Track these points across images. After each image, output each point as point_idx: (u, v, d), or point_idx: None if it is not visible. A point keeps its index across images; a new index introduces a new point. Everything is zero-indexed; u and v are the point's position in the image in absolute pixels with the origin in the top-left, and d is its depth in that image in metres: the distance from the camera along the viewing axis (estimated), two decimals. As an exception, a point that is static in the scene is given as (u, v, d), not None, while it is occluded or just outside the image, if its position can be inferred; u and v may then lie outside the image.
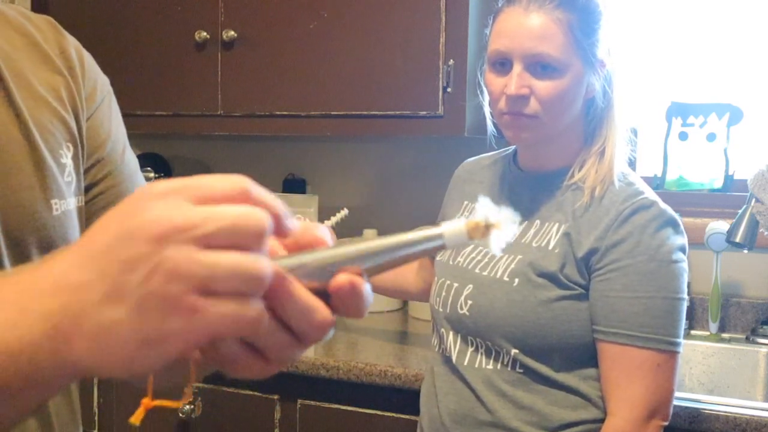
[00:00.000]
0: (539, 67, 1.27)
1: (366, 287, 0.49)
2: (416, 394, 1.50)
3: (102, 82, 0.86)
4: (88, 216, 0.82)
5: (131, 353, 0.44)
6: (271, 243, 0.49)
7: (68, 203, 0.77)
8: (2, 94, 0.74)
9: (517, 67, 1.28)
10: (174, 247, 0.43)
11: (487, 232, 0.50)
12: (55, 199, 0.75)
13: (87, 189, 0.82)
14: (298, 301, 0.47)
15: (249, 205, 0.46)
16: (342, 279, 0.48)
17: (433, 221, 1.66)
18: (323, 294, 0.49)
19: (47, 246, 0.74)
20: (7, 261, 0.72)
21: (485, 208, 0.51)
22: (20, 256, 0.73)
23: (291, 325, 0.48)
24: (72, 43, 0.84)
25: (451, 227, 0.50)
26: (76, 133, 0.80)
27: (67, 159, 0.78)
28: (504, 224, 0.50)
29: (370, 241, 0.51)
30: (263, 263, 0.44)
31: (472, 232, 0.50)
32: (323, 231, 0.51)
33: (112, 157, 0.85)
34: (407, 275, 1.74)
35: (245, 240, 0.44)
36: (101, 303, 0.44)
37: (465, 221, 0.50)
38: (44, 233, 0.74)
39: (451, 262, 1.42)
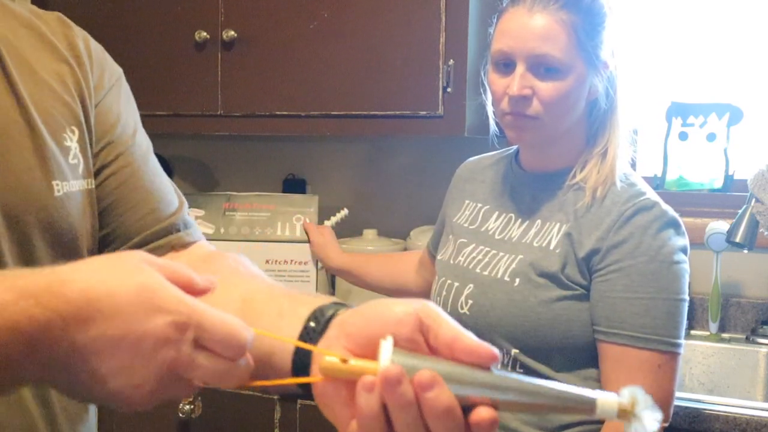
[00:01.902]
0: (542, 68, 1.27)
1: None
2: (416, 394, 1.50)
3: (111, 71, 0.88)
4: (103, 197, 0.83)
5: (141, 399, 0.57)
6: (420, 338, 0.57)
7: (72, 185, 0.78)
8: (3, 80, 0.76)
9: (520, 68, 1.28)
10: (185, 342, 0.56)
11: (633, 419, 0.53)
12: (57, 181, 0.77)
13: (99, 171, 0.84)
14: (450, 412, 0.54)
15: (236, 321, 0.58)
16: (485, 414, 0.54)
17: (433, 221, 1.66)
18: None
19: (48, 227, 0.76)
20: (5, 240, 0.73)
21: (637, 395, 0.53)
22: (20, 235, 0.74)
23: (430, 426, 0.54)
24: (80, 35, 0.86)
25: (605, 398, 0.54)
26: (81, 117, 0.82)
27: (72, 142, 0.80)
28: (650, 417, 0.53)
29: (529, 382, 0.55)
30: (238, 374, 0.58)
31: (622, 413, 0.53)
32: (480, 349, 0.56)
33: (123, 139, 0.86)
34: (408, 274, 1.74)
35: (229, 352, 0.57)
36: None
37: (619, 401, 0.54)
38: (45, 213, 0.75)
39: (452, 262, 1.42)
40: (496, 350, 0.56)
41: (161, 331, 0.55)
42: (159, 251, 0.84)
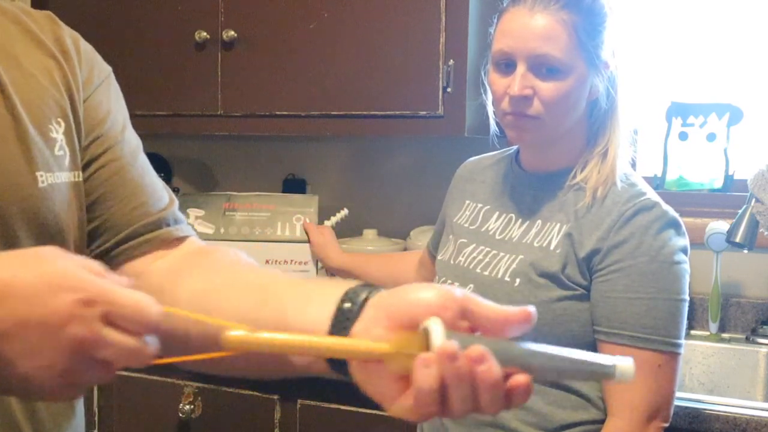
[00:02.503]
0: (543, 68, 1.27)
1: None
2: (416, 394, 1.50)
3: (100, 68, 0.89)
4: (92, 190, 0.84)
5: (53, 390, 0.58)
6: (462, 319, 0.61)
7: (57, 176, 0.78)
8: None
9: (521, 68, 1.28)
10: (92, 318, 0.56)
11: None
12: (41, 172, 0.76)
13: (88, 164, 0.84)
14: (498, 384, 0.57)
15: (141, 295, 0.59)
16: (522, 379, 0.58)
17: (433, 221, 1.66)
18: None
19: (33, 217, 0.76)
20: None
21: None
22: (3, 227, 0.74)
23: (479, 398, 0.58)
24: (68, 33, 0.86)
25: (621, 364, 0.59)
26: (69, 111, 0.82)
27: (58, 134, 0.80)
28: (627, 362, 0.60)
29: (558, 354, 0.60)
30: (148, 352, 0.59)
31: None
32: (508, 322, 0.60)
33: (111, 134, 0.86)
34: (408, 274, 1.74)
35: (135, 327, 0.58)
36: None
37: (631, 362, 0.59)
38: (29, 204, 0.75)
39: (452, 262, 1.42)
40: (531, 308, 0.61)
41: (67, 307, 0.56)
42: (148, 245, 0.85)
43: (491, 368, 0.57)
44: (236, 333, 0.57)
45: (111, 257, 0.84)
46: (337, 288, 0.66)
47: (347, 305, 0.63)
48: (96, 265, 0.60)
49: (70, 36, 0.86)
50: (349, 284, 0.66)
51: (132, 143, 0.89)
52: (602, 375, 0.60)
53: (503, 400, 0.58)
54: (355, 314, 0.62)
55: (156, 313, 0.58)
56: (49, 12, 0.87)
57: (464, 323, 0.60)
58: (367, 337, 0.60)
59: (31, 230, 0.76)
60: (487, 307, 0.61)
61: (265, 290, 0.72)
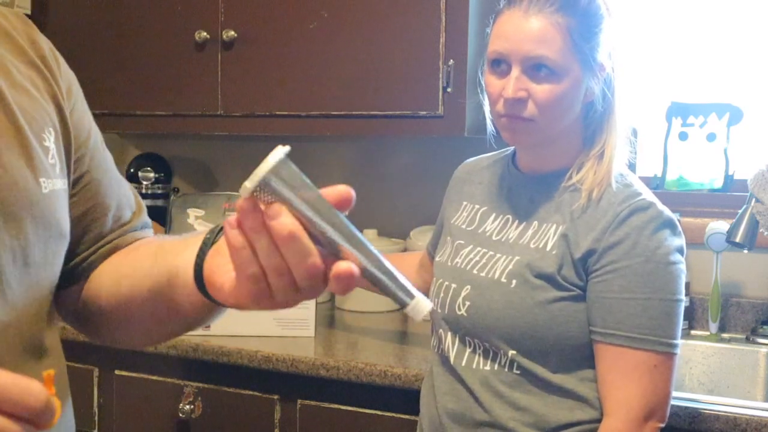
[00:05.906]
0: (537, 70, 1.27)
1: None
2: (416, 394, 1.50)
3: (72, 76, 0.91)
4: (79, 204, 0.87)
5: None
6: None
7: (55, 183, 0.81)
8: None
9: (516, 70, 1.27)
10: None
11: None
12: (43, 178, 0.79)
13: (78, 179, 0.87)
14: (293, 238, 0.60)
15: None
16: (344, 265, 0.60)
17: (433, 221, 1.66)
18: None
19: (40, 222, 0.78)
20: (4, 235, 0.74)
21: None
22: (17, 231, 0.75)
23: (285, 258, 0.60)
24: (43, 38, 0.87)
25: (422, 302, 0.62)
26: (57, 120, 0.83)
27: (50, 142, 0.81)
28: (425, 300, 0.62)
29: (370, 248, 0.61)
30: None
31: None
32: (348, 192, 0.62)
33: (96, 147, 0.90)
34: (408, 275, 1.73)
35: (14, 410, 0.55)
36: None
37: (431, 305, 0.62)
38: (37, 209, 0.77)
39: (449, 263, 1.42)
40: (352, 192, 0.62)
41: None
42: (109, 253, 0.90)
43: (282, 223, 0.59)
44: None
45: (83, 269, 0.89)
46: (206, 230, 0.75)
47: (208, 236, 0.73)
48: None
49: (46, 42, 0.87)
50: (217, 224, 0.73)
51: (108, 160, 0.93)
52: (397, 300, 0.62)
53: (311, 259, 0.60)
54: (213, 241, 0.71)
55: (43, 398, 0.56)
56: (21, 13, 0.87)
57: None
58: (217, 257, 0.68)
59: (40, 234, 0.78)
60: None
61: (159, 250, 0.82)
